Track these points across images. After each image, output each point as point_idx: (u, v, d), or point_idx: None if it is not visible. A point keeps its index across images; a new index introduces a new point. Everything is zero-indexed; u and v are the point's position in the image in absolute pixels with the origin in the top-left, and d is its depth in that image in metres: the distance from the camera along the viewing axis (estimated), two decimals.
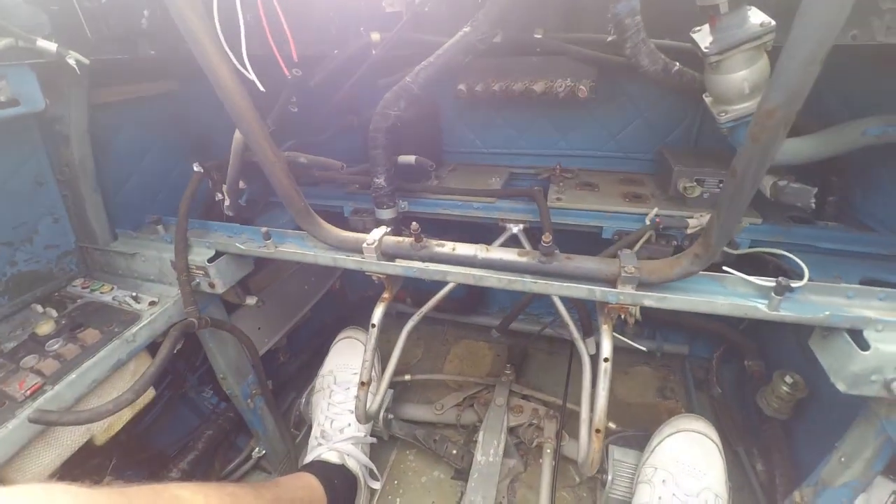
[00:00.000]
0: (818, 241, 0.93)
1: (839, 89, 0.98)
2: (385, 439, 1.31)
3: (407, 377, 1.45)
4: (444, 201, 1.12)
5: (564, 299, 1.02)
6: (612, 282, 0.71)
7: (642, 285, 0.69)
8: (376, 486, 1.17)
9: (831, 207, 1.02)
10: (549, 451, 1.19)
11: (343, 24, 0.94)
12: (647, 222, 0.96)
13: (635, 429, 1.24)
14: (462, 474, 1.22)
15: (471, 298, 1.60)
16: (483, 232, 1.33)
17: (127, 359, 0.86)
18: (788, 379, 1.07)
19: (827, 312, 0.65)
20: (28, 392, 0.74)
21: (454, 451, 1.23)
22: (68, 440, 0.80)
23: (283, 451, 1.31)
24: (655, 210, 0.97)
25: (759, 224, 0.98)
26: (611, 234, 1.01)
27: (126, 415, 0.90)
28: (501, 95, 1.08)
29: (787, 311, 0.67)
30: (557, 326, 1.55)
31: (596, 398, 0.71)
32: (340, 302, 1.66)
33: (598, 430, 0.71)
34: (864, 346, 0.64)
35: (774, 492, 1.06)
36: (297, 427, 1.41)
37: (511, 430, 1.26)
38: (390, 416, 1.30)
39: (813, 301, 0.70)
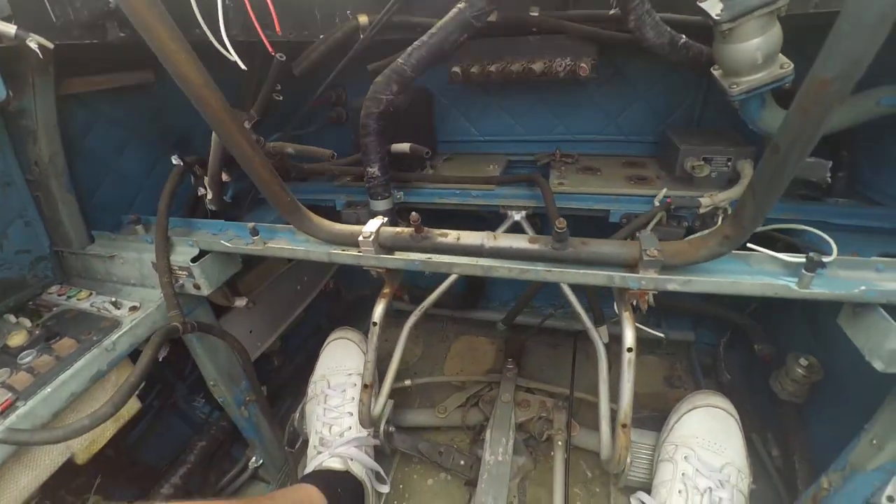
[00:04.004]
0: (831, 218, 0.90)
1: None
2: (387, 453, 1.22)
3: (407, 382, 1.36)
4: (441, 190, 1.07)
5: (573, 287, 0.98)
6: (631, 266, 0.66)
7: (665, 268, 0.65)
8: (384, 489, 1.09)
9: (840, 183, 0.99)
10: (560, 443, 1.15)
11: (329, 9, 0.89)
12: (657, 203, 0.92)
13: (649, 410, 1.20)
14: (473, 483, 1.14)
15: (471, 293, 1.55)
16: (483, 221, 1.29)
17: (107, 369, 0.79)
18: (804, 361, 1.03)
19: (863, 287, 0.61)
20: None
21: (461, 462, 1.16)
22: (46, 460, 0.74)
23: (282, 459, 1.25)
24: (665, 190, 0.93)
25: None
26: (618, 217, 0.97)
27: (109, 430, 0.84)
28: (498, 77, 1.02)
29: (819, 289, 0.62)
30: (559, 318, 1.51)
31: (621, 392, 0.66)
32: (335, 302, 1.60)
33: (624, 425, 0.66)
34: None
35: (794, 477, 1.03)
36: (291, 444, 1.28)
37: (519, 427, 1.21)
38: (391, 428, 1.19)
39: (842, 277, 0.65)
